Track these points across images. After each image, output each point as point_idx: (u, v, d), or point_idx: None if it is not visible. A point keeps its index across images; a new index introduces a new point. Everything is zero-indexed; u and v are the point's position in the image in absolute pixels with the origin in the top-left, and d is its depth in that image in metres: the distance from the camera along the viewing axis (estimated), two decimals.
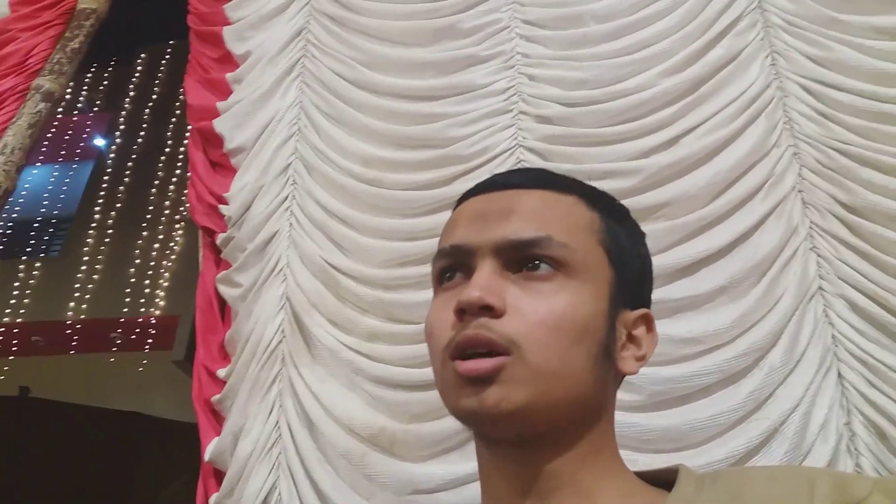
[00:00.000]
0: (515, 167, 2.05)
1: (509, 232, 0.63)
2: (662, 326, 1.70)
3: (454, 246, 0.66)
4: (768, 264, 1.80)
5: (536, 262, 0.62)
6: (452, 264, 0.66)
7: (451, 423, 1.69)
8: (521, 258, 0.63)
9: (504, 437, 0.63)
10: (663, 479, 0.64)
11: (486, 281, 0.61)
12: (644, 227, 1.89)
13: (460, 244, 0.65)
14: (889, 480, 0.56)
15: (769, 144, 1.94)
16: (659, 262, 1.79)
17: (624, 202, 1.96)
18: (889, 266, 1.71)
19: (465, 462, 1.70)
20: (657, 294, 1.78)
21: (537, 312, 0.60)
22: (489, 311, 0.60)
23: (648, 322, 0.66)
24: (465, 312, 0.60)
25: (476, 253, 0.64)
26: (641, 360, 0.65)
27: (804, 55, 2.01)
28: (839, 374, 1.68)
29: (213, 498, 1.95)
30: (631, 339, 0.65)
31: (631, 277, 0.66)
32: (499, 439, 0.64)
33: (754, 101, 1.99)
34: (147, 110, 8.05)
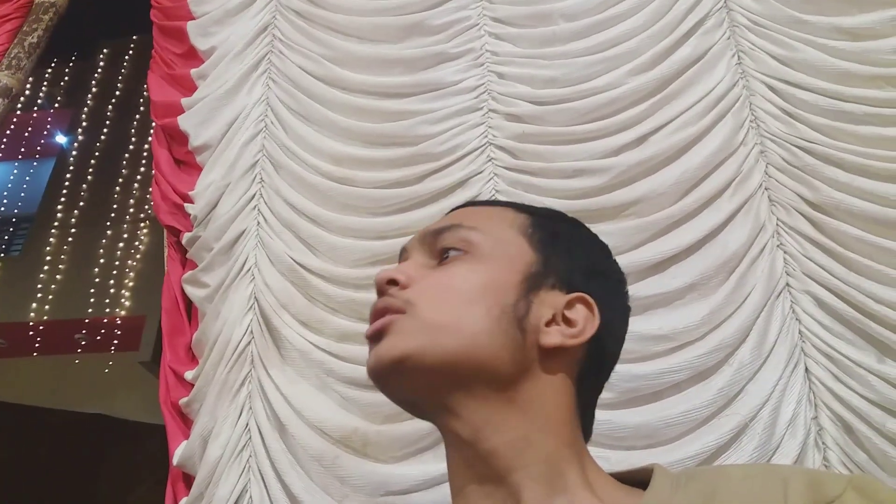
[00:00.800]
0: (486, 165, 2.05)
1: (429, 227, 0.72)
2: (633, 324, 1.71)
3: (401, 249, 0.74)
4: (736, 261, 1.82)
5: (448, 253, 0.68)
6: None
7: (424, 424, 1.68)
8: (439, 249, 0.69)
9: (411, 396, 0.66)
10: (638, 479, 0.64)
11: (401, 265, 0.70)
12: (614, 225, 1.91)
13: (403, 247, 0.74)
14: (862, 478, 0.56)
15: (736, 143, 1.97)
16: (629, 259, 1.81)
17: (594, 200, 1.97)
18: (853, 262, 1.75)
19: (439, 462, 1.69)
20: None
21: (434, 278, 0.67)
22: (396, 285, 0.67)
23: (588, 305, 0.67)
24: (381, 293, 0.68)
25: (409, 249, 0.72)
26: (573, 337, 0.65)
27: (769, 55, 2.04)
28: (806, 370, 1.71)
29: (182, 502, 1.92)
30: (566, 320, 0.66)
31: (560, 264, 0.69)
32: (418, 408, 0.67)
33: (721, 99, 2.02)
34: (110, 107, 7.88)
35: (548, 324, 0.66)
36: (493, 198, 1.97)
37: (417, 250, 0.71)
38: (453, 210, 0.77)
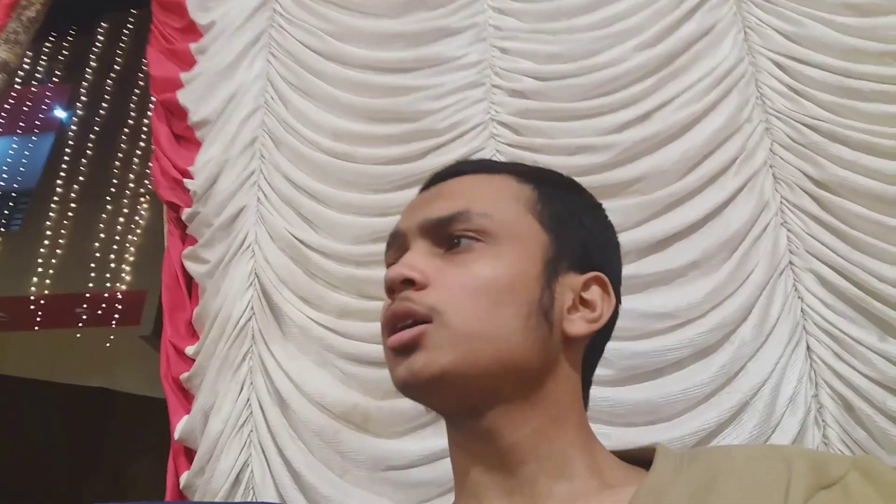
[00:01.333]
0: (488, 142, 2.03)
1: (431, 212, 0.66)
2: (635, 301, 1.73)
3: (392, 234, 0.70)
4: (740, 239, 1.81)
5: (459, 239, 0.64)
6: (394, 253, 0.69)
7: None
8: (446, 236, 0.64)
9: (445, 407, 0.64)
10: (640, 458, 0.64)
11: (409, 258, 0.64)
12: (617, 203, 1.90)
13: (395, 231, 0.69)
14: (865, 459, 0.56)
15: (741, 119, 1.95)
16: (632, 237, 1.80)
17: (597, 177, 1.96)
18: (856, 240, 1.74)
19: (439, 437, 1.70)
20: (630, 269, 1.80)
21: (457, 279, 0.62)
22: (412, 284, 0.62)
23: (602, 284, 0.66)
24: (393, 291, 0.63)
25: (407, 236, 0.67)
26: (595, 322, 0.64)
27: (776, 30, 2.01)
28: (808, 348, 1.71)
29: (183, 476, 1.94)
30: (584, 302, 0.65)
31: (574, 243, 0.66)
32: (446, 413, 0.65)
33: (727, 75, 1.99)
34: (109, 81, 7.83)
35: (569, 310, 0.64)
36: None
37: (418, 238, 0.66)
38: (443, 178, 0.72)
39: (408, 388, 0.61)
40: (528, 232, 0.65)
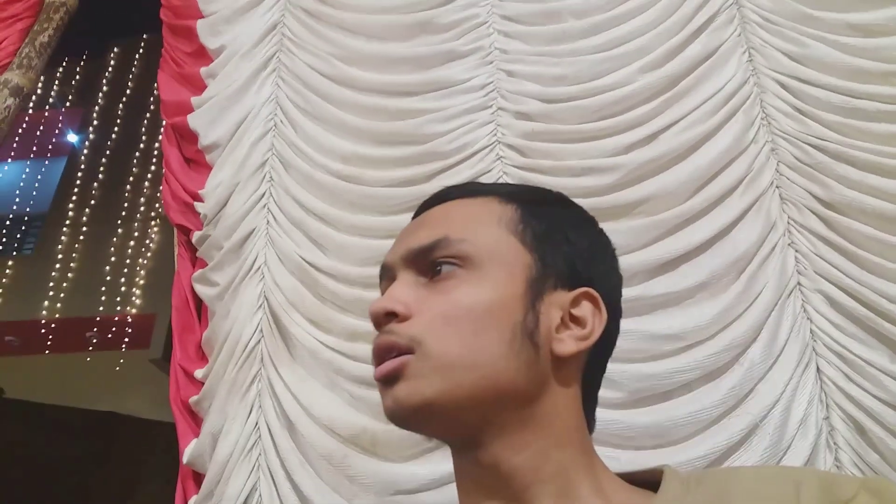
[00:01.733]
0: (495, 164, 2.04)
1: (413, 242, 0.67)
2: (643, 323, 1.72)
3: (381, 267, 0.70)
4: (747, 260, 1.81)
5: (441, 266, 0.64)
6: (385, 284, 0.70)
7: None
8: (429, 265, 0.65)
9: (437, 435, 0.65)
10: (648, 481, 0.63)
11: (393, 290, 0.65)
12: (624, 224, 1.90)
13: (383, 264, 0.70)
14: (875, 480, 0.56)
15: (747, 140, 1.95)
16: (639, 258, 1.80)
17: (604, 199, 1.96)
18: (864, 261, 1.73)
19: (447, 462, 1.68)
20: (637, 291, 1.81)
21: (438, 307, 0.62)
22: (395, 317, 0.63)
23: (593, 300, 0.65)
24: (379, 324, 0.64)
25: (394, 268, 0.68)
26: (585, 339, 0.63)
27: (780, 51, 2.02)
28: (818, 369, 1.70)
29: (192, 501, 1.93)
30: (574, 319, 0.64)
31: (559, 260, 0.66)
32: (442, 440, 0.66)
33: (732, 96, 2.00)
34: (120, 106, 7.93)
35: (558, 329, 0.64)
36: None
37: (403, 269, 0.67)
38: (430, 205, 0.73)
39: (394, 417, 0.62)
40: (509, 253, 0.65)
